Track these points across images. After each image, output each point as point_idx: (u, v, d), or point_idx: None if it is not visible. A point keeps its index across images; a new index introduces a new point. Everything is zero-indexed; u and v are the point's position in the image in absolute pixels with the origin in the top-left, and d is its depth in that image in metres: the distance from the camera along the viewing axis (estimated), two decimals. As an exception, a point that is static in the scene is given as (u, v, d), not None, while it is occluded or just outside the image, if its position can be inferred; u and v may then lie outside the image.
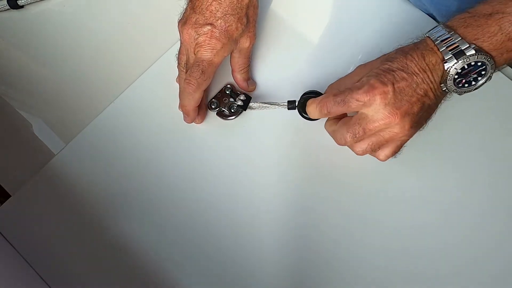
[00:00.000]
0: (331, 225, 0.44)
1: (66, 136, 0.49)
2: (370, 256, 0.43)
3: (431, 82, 0.35)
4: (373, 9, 0.48)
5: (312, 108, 0.39)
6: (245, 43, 0.43)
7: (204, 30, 0.40)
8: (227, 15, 0.40)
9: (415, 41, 0.37)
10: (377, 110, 0.35)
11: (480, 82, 0.35)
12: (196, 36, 0.40)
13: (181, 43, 0.43)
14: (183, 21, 0.41)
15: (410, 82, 0.35)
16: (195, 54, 0.41)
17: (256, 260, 0.44)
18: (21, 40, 0.52)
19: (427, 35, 0.36)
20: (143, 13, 0.52)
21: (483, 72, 0.35)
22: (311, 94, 0.42)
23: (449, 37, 0.34)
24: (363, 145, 0.38)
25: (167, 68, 0.48)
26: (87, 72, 0.51)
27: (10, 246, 0.46)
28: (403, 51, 0.36)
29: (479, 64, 0.34)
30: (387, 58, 0.37)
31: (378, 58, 0.38)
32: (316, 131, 0.44)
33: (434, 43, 0.35)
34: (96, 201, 0.46)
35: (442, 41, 0.35)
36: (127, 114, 0.48)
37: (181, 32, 0.41)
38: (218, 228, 0.45)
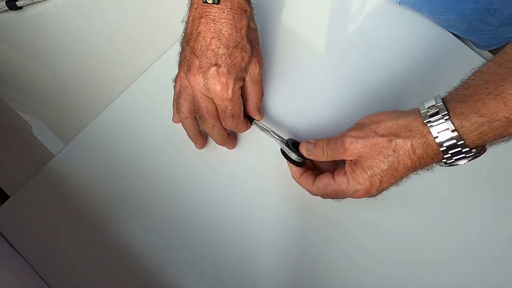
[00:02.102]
0: (333, 224, 0.44)
1: (65, 136, 0.49)
2: (370, 265, 0.43)
3: (418, 170, 0.35)
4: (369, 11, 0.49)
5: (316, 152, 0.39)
6: (254, 69, 0.40)
7: (211, 72, 0.37)
8: (230, 49, 0.38)
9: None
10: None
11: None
12: (205, 82, 0.38)
13: (182, 88, 0.40)
14: (187, 68, 0.39)
15: (395, 182, 0.35)
16: (214, 100, 0.39)
17: (255, 262, 0.44)
18: (20, 41, 0.52)
19: (434, 136, 0.32)
20: (142, 13, 0.52)
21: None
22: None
23: (459, 150, 0.32)
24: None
25: (167, 69, 0.48)
26: (86, 72, 0.51)
27: (10, 246, 0.46)
28: (399, 154, 0.33)
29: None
30: (381, 157, 0.34)
31: (373, 143, 0.34)
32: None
33: (439, 148, 0.32)
34: (96, 202, 0.46)
35: (450, 150, 0.32)
36: (126, 115, 0.48)
37: (187, 79, 0.39)
38: (218, 229, 0.45)
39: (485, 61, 0.46)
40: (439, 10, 0.46)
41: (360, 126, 0.36)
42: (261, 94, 0.43)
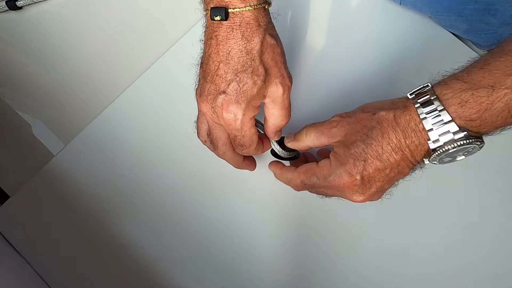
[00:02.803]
0: (333, 227, 0.44)
1: (65, 137, 0.49)
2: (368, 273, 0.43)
3: (410, 162, 0.32)
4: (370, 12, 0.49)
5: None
6: (276, 91, 0.36)
7: (219, 101, 0.35)
8: (239, 74, 0.34)
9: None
10: (344, 194, 0.35)
11: (463, 157, 0.32)
12: (213, 110, 0.35)
13: (198, 111, 0.38)
14: (199, 93, 0.36)
15: (383, 169, 0.32)
16: (225, 127, 0.37)
17: (255, 262, 0.44)
18: (20, 41, 0.52)
19: (415, 106, 0.31)
20: (142, 13, 0.52)
21: (470, 150, 0.31)
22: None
23: (441, 120, 0.30)
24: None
25: (166, 69, 0.48)
26: (86, 73, 0.51)
27: (10, 246, 0.46)
28: (382, 126, 0.32)
29: (470, 147, 0.30)
30: (365, 131, 0.33)
31: (358, 119, 0.34)
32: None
33: (421, 120, 0.30)
34: (95, 202, 0.46)
35: (432, 122, 0.30)
36: (126, 115, 0.48)
37: (198, 104, 0.37)
38: (218, 228, 0.45)
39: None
40: (440, 10, 0.46)
41: (349, 111, 0.36)
42: (285, 118, 0.38)
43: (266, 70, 0.35)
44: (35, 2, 0.52)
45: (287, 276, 0.43)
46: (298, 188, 0.37)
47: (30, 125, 0.50)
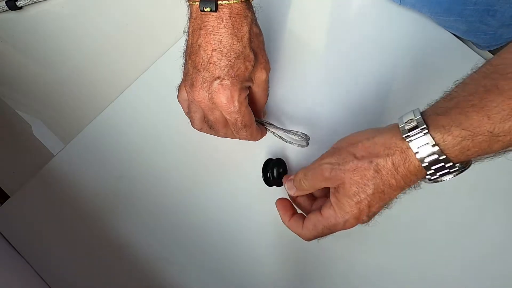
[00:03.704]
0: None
1: (65, 137, 0.49)
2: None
3: (405, 189, 0.33)
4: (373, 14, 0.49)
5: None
6: (261, 76, 0.39)
7: (214, 86, 0.36)
8: (232, 60, 0.36)
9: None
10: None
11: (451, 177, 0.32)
12: (210, 96, 0.37)
13: (189, 102, 0.39)
14: (190, 83, 0.38)
15: (384, 204, 0.34)
16: (222, 113, 0.38)
17: (252, 262, 0.44)
18: (20, 41, 0.52)
19: (414, 152, 0.30)
20: (142, 13, 0.52)
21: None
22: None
23: (442, 165, 0.30)
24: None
25: (166, 69, 0.48)
26: (86, 73, 0.51)
27: (10, 246, 0.46)
28: (382, 175, 0.32)
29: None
30: (365, 181, 0.32)
31: (354, 168, 0.33)
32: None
33: (421, 164, 0.30)
34: (95, 202, 0.46)
35: (431, 163, 0.30)
36: (126, 115, 0.48)
37: (191, 94, 0.38)
38: (218, 229, 0.45)
39: (485, 61, 0.46)
40: (439, 11, 0.46)
41: (337, 150, 0.35)
42: (267, 97, 0.42)
43: (255, 56, 0.38)
44: (35, 2, 0.52)
45: (285, 276, 0.43)
46: (309, 240, 0.37)
47: (30, 125, 0.50)
